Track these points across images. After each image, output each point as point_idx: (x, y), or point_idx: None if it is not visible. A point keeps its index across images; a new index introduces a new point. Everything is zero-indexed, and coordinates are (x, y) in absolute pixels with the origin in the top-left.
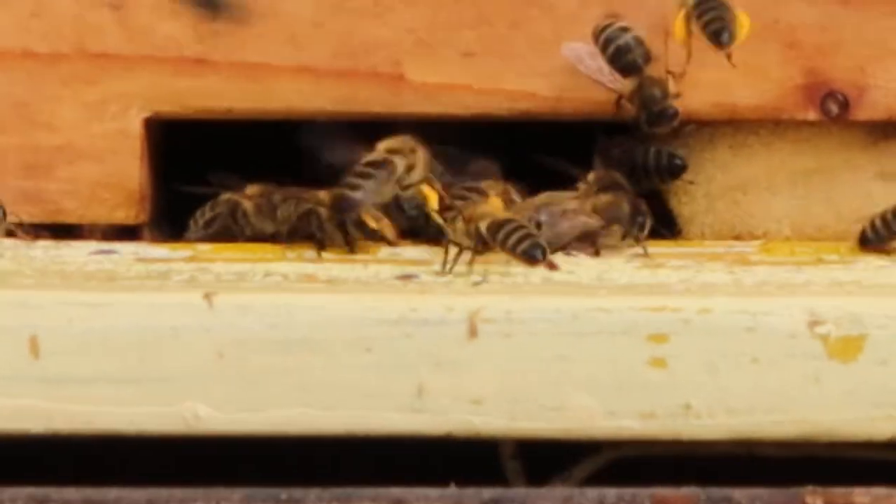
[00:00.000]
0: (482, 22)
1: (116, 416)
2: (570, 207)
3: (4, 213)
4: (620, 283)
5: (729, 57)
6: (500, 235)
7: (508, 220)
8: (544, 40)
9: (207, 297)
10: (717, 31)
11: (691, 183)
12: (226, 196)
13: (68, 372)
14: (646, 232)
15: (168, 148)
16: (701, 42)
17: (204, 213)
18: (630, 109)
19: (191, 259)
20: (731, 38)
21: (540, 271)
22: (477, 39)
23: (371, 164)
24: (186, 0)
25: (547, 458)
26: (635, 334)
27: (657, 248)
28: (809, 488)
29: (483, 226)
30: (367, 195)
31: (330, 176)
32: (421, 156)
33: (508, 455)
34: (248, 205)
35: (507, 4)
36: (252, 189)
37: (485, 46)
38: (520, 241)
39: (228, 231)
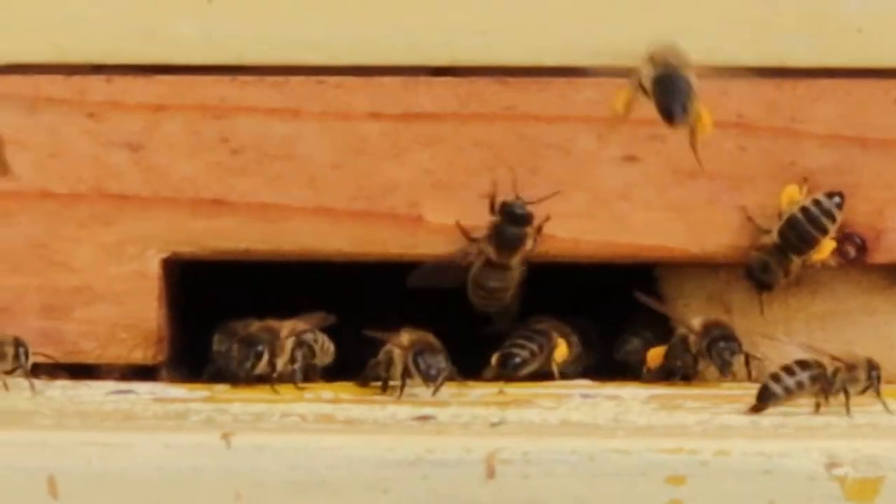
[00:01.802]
0: (500, 163)
1: None
2: None
3: (27, 354)
4: (638, 425)
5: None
6: None
7: None
8: (562, 182)
9: (225, 437)
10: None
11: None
12: None
13: None
14: None
15: (185, 287)
16: (716, 182)
17: None
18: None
19: (208, 399)
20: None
21: (557, 413)
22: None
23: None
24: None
25: None
26: (653, 476)
27: (674, 389)
28: None
29: None
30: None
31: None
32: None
33: None
34: None
35: (524, 146)
36: None
37: (502, 188)
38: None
39: None
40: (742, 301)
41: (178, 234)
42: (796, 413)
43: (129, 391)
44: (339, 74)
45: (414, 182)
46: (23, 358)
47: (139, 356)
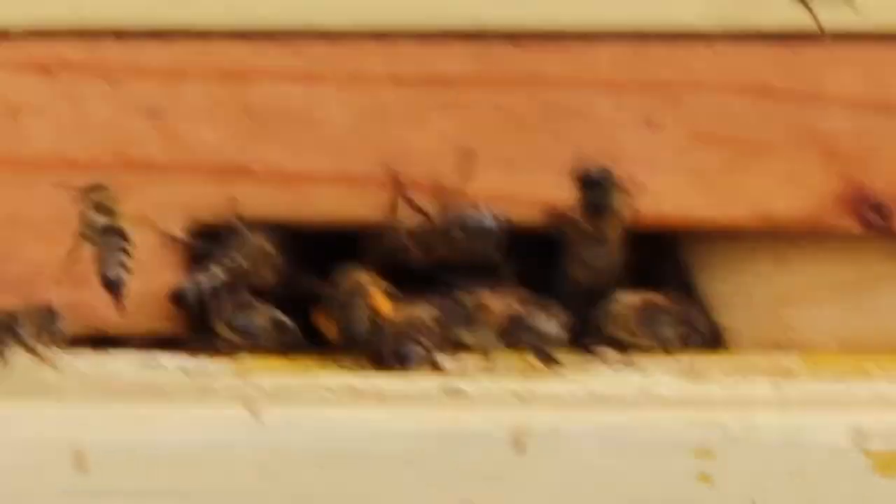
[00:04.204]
0: (519, 128)
1: None
2: None
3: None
4: (665, 397)
5: None
6: None
7: None
8: (583, 148)
9: (254, 411)
10: None
11: None
12: None
13: (115, 485)
14: None
15: None
16: (737, 148)
17: None
18: None
19: (235, 372)
20: None
21: (584, 384)
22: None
23: None
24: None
25: None
26: (681, 449)
27: (701, 358)
28: None
29: None
30: None
31: None
32: None
33: None
34: None
35: (544, 111)
36: None
37: (522, 154)
38: None
39: None
40: (766, 268)
41: (199, 201)
42: (823, 383)
43: (156, 364)
44: (357, 38)
45: (434, 149)
46: (54, 327)
47: (166, 327)
